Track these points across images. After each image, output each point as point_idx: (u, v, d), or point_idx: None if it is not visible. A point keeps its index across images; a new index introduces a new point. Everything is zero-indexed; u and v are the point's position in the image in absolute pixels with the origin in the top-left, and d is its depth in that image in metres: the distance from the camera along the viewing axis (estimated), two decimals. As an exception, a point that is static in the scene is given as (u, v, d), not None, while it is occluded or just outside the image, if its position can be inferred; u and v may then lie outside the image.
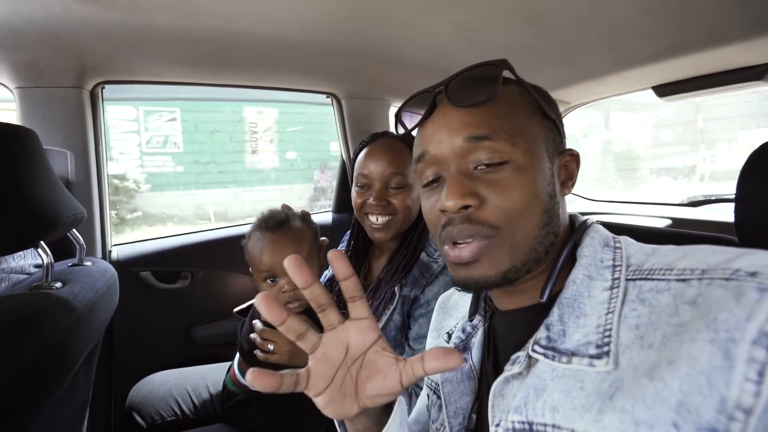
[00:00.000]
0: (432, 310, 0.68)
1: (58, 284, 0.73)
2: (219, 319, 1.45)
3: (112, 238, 1.36)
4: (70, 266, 0.88)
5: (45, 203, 0.67)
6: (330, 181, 7.08)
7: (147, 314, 1.38)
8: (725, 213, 1.40)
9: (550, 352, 0.38)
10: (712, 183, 6.72)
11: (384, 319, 0.88)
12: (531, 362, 0.40)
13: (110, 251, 1.33)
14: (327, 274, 1.09)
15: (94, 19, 0.87)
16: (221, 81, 1.33)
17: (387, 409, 0.44)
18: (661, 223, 1.46)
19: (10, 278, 0.82)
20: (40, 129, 1.09)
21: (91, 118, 1.18)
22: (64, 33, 0.93)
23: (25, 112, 1.07)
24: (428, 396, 0.59)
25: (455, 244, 0.42)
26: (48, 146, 1.10)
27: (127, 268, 1.32)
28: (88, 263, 0.91)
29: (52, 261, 0.72)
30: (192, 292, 1.43)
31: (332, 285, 1.03)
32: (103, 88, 1.22)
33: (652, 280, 0.36)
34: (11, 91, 1.06)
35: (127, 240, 1.47)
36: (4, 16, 0.85)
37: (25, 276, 0.84)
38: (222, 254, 1.48)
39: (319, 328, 0.41)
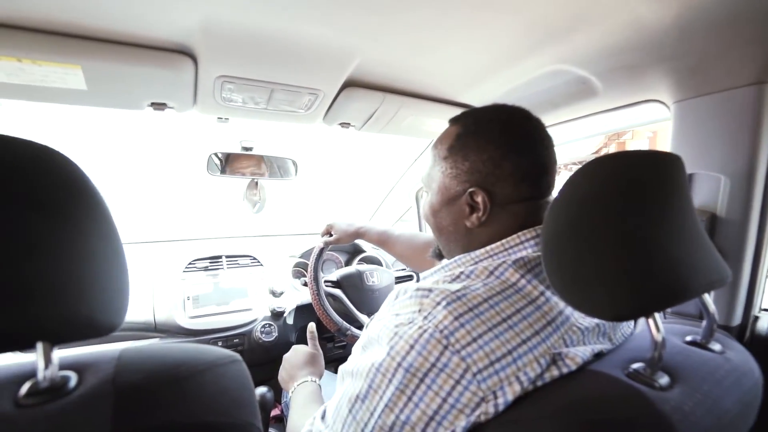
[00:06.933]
0: None
1: (665, 379, 0.49)
2: None
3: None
4: (688, 342, 0.62)
5: (676, 262, 0.45)
6: None
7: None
8: None
9: None
10: None
11: None
12: None
13: (755, 318, 0.90)
14: None
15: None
16: None
17: None
18: None
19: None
20: (686, 151, 0.89)
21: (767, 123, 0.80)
22: (744, 17, 0.65)
23: (678, 131, 0.90)
24: None
25: None
26: (694, 170, 0.87)
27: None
28: (716, 346, 0.60)
29: (664, 338, 0.49)
30: None
31: None
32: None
33: None
34: (667, 107, 0.92)
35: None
36: (670, 22, 0.69)
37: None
38: None
39: None
